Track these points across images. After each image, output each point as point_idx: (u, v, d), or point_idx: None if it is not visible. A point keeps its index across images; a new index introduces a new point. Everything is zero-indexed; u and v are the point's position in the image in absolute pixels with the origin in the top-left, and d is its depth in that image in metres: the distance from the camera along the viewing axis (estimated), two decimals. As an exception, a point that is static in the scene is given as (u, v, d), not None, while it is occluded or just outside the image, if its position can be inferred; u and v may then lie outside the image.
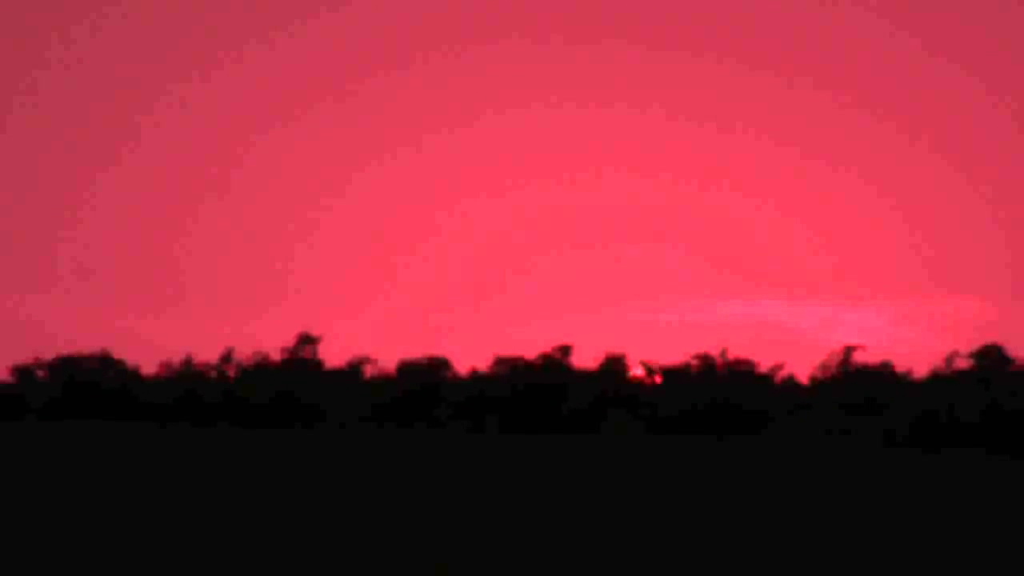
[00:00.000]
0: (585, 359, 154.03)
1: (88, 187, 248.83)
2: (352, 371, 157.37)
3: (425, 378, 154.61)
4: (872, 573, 41.09)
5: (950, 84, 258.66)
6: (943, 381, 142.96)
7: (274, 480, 76.44)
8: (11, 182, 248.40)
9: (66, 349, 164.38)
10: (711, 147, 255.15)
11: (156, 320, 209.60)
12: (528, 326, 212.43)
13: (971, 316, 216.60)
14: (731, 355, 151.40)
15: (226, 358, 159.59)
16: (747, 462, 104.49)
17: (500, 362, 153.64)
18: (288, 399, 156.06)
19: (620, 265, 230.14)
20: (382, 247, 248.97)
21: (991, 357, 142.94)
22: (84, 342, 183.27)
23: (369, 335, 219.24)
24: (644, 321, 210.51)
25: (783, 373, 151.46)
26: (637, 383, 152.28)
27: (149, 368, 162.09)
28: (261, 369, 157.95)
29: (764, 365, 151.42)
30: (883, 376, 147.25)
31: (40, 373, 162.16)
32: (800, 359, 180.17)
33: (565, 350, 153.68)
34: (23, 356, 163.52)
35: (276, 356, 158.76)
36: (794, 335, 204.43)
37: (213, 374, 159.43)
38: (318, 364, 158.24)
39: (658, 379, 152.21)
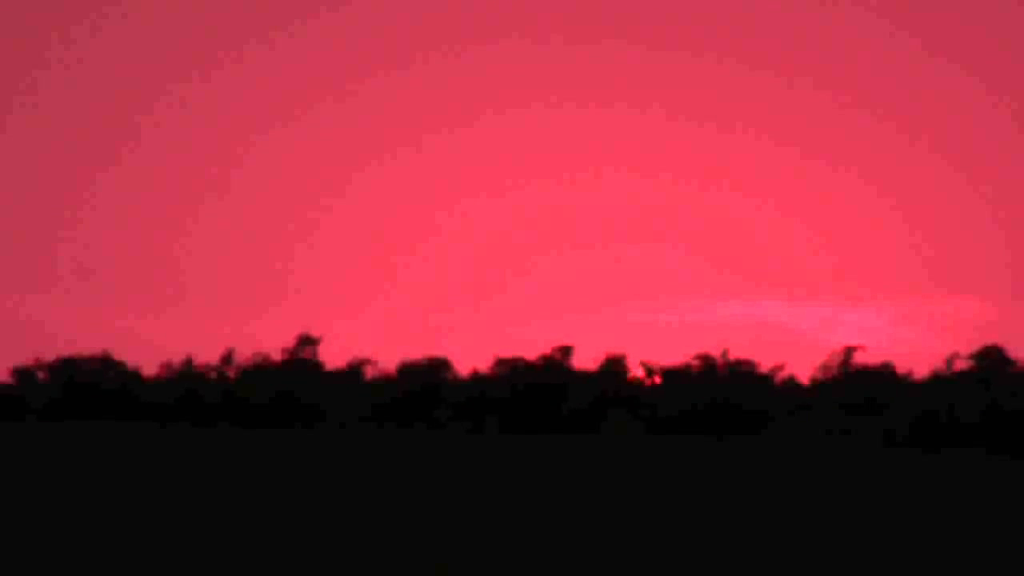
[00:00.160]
0: (585, 360, 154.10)
1: (88, 187, 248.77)
2: (352, 372, 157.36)
3: (425, 379, 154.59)
4: (872, 573, 41.09)
5: (950, 84, 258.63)
6: (943, 382, 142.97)
7: (274, 481, 76.43)
8: (11, 182, 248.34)
9: (66, 350, 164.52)
10: (711, 147, 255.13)
11: (156, 321, 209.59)
12: (528, 327, 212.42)
13: (971, 316, 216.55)
14: (731, 355, 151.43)
15: (226, 359, 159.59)
16: (747, 462, 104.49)
17: (500, 363, 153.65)
18: (288, 400, 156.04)
19: (620, 265, 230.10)
20: (382, 247, 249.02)
21: (991, 358, 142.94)
22: (84, 343, 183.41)
23: (369, 336, 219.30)
24: (644, 321, 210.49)
25: (783, 374, 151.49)
26: (637, 383, 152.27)
27: (149, 369, 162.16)
28: (261, 370, 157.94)
29: (764, 365, 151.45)
30: (883, 376, 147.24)
31: (40, 374, 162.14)
32: (800, 359, 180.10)
33: (565, 351, 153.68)
34: (23, 357, 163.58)
35: (276, 357, 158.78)
36: (794, 335, 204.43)
37: (213, 375, 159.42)
38: (318, 365, 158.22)
39: (658, 379, 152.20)
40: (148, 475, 78.95)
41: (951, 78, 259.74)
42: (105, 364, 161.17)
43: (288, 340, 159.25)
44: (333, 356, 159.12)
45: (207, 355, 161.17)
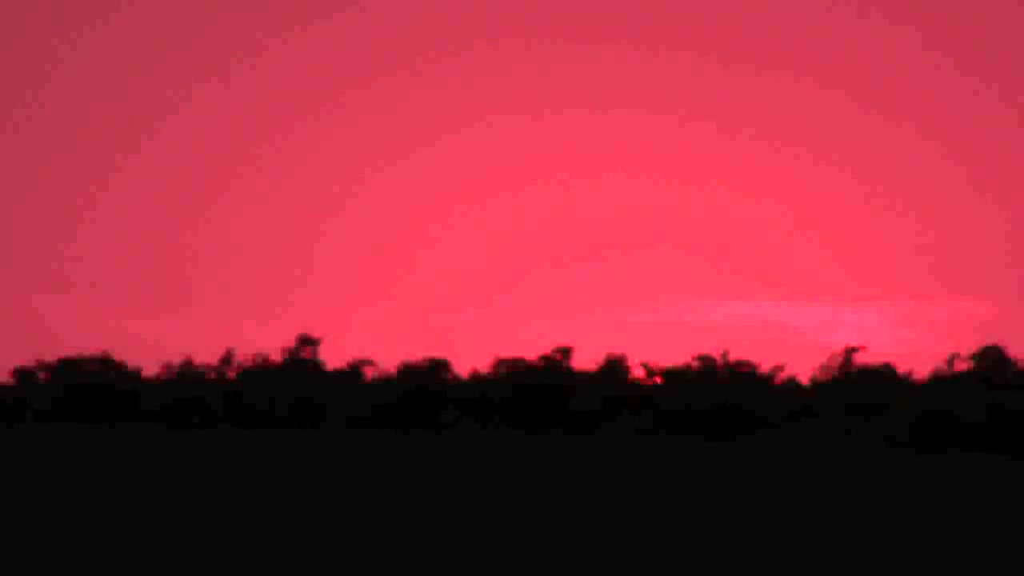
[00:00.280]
0: (586, 361, 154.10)
1: (89, 189, 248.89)
2: (352, 372, 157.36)
3: (425, 380, 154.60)
4: (873, 574, 41.09)
5: (951, 84, 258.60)
6: (944, 382, 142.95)
7: (274, 481, 76.44)
8: (14, 184, 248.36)
9: (67, 351, 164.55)
10: (711, 147, 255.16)
11: (157, 321, 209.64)
12: (529, 327, 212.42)
13: (971, 316, 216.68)
14: (732, 356, 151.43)
15: (226, 360, 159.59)
16: (748, 463, 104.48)
17: (501, 364, 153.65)
18: (289, 401, 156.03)
19: (620, 266, 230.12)
20: (382, 248, 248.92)
21: (992, 358, 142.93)
22: (85, 344, 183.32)
23: (369, 337, 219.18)
24: (644, 322, 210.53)
25: (784, 374, 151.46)
26: (637, 384, 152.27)
27: (150, 370, 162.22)
28: (262, 371, 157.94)
29: (765, 366, 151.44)
30: (884, 377, 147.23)
31: (41, 375, 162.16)
32: (801, 360, 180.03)
33: (566, 352, 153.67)
34: (24, 358, 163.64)
35: (277, 358, 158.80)
36: (795, 336, 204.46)
37: (214, 376, 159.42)
38: (318, 366, 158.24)
39: (658, 380, 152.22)
40: (148, 476, 78.94)
41: (952, 78, 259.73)
42: (105, 365, 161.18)
43: (288, 341, 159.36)
44: (333, 357, 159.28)
45: (207, 356, 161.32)
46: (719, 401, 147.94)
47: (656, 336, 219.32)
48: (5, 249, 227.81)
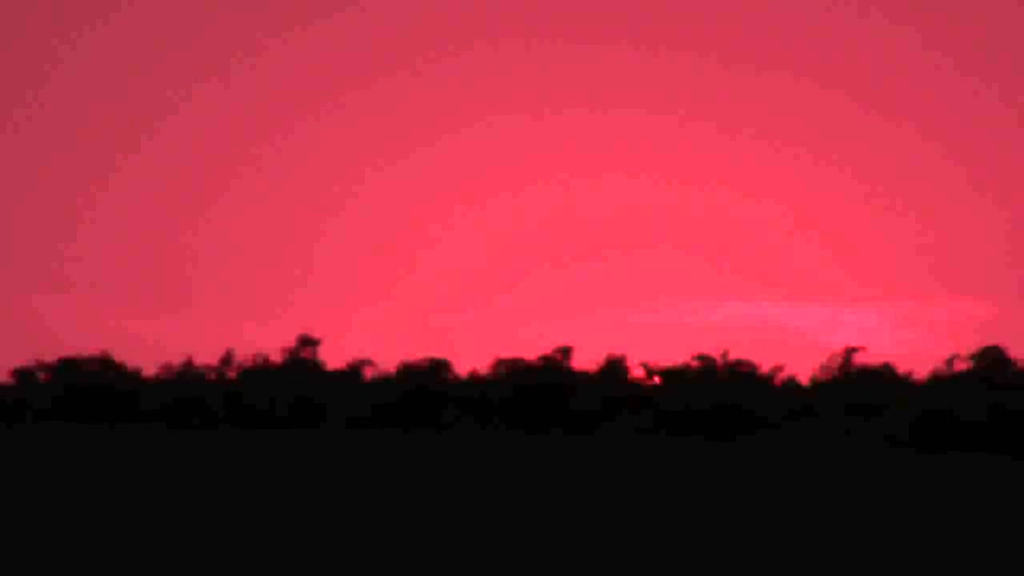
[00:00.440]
0: (586, 361, 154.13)
1: (89, 189, 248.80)
2: (352, 373, 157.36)
3: (425, 380, 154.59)
4: (873, 573, 41.10)
5: (951, 84, 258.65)
6: (944, 382, 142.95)
7: (274, 481, 76.44)
8: (14, 184, 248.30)
9: (67, 351, 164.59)
10: (711, 147, 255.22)
11: (156, 322, 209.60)
12: (529, 327, 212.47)
13: (971, 317, 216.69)
14: (731, 356, 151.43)
15: (226, 360, 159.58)
16: (747, 463, 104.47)
17: (500, 364, 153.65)
18: (289, 401, 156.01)
19: (620, 266, 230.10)
20: (382, 249, 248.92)
21: (992, 358, 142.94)
22: (85, 344, 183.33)
23: (369, 337, 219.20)
24: (644, 322, 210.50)
25: (783, 374, 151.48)
26: (637, 384, 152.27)
27: (150, 370, 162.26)
28: (262, 371, 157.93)
29: (764, 366, 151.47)
30: (884, 377, 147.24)
31: (41, 375, 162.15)
32: (801, 360, 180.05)
33: (565, 352, 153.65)
34: (24, 358, 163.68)
35: (277, 358, 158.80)
36: (795, 336, 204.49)
37: (213, 376, 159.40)
38: (318, 366, 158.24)
39: (658, 380, 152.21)
40: (148, 476, 78.95)
41: (952, 78, 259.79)
42: (105, 365, 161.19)
43: (288, 341, 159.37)
44: (333, 357, 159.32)
45: (207, 356, 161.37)
46: (719, 401, 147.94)
47: (656, 336, 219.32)
48: (5, 249, 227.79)
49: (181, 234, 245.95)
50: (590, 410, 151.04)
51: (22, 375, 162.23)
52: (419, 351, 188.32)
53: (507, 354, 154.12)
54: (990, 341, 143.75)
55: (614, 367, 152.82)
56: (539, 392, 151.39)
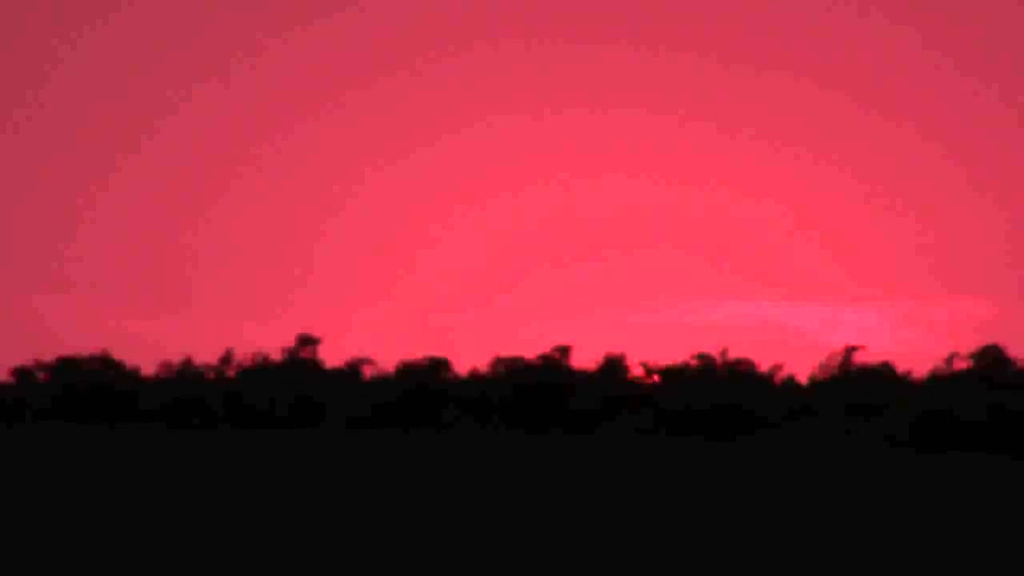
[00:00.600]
0: (586, 360, 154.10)
1: (89, 189, 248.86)
2: (352, 372, 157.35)
3: (425, 379, 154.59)
4: (872, 573, 41.09)
5: (951, 84, 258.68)
6: (943, 382, 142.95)
7: (274, 481, 76.44)
8: (14, 184, 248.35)
9: (67, 351, 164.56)
10: (711, 147, 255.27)
11: (156, 321, 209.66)
12: (529, 327, 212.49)
13: (971, 316, 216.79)
14: (731, 355, 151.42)
15: (226, 359, 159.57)
16: (747, 462, 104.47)
17: (500, 363, 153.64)
18: (288, 400, 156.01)
19: (620, 266, 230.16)
20: (382, 249, 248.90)
21: (991, 358, 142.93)
22: (85, 344, 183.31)
23: (369, 336, 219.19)
24: (644, 321, 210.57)
25: (783, 373, 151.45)
26: (637, 384, 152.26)
27: (149, 369, 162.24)
28: (261, 370, 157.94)
29: (764, 365, 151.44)
30: (883, 376, 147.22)
31: (40, 374, 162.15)
32: (800, 360, 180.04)
33: (564, 351, 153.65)
34: (24, 358, 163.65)
35: (276, 357, 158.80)
36: (794, 336, 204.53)
37: (213, 376, 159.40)
38: (318, 365, 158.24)
39: (657, 379, 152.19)
40: (148, 476, 78.94)
41: (952, 78, 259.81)
42: (105, 364, 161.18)
43: (288, 341, 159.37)
44: (333, 356, 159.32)
45: (207, 356, 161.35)
46: (719, 401, 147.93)
47: (656, 336, 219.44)
48: (5, 249, 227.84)
49: (181, 234, 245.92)
50: (590, 409, 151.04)
51: (22, 375, 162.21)
52: (419, 350, 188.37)
53: (507, 353, 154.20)
54: (990, 340, 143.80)
55: (614, 366, 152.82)
56: (539, 391, 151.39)
